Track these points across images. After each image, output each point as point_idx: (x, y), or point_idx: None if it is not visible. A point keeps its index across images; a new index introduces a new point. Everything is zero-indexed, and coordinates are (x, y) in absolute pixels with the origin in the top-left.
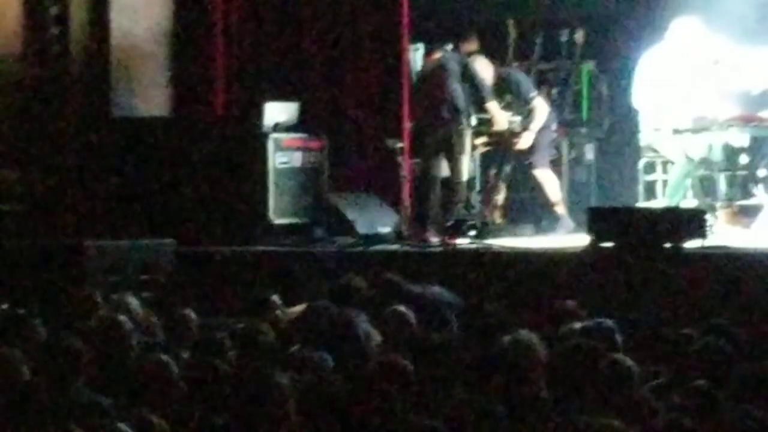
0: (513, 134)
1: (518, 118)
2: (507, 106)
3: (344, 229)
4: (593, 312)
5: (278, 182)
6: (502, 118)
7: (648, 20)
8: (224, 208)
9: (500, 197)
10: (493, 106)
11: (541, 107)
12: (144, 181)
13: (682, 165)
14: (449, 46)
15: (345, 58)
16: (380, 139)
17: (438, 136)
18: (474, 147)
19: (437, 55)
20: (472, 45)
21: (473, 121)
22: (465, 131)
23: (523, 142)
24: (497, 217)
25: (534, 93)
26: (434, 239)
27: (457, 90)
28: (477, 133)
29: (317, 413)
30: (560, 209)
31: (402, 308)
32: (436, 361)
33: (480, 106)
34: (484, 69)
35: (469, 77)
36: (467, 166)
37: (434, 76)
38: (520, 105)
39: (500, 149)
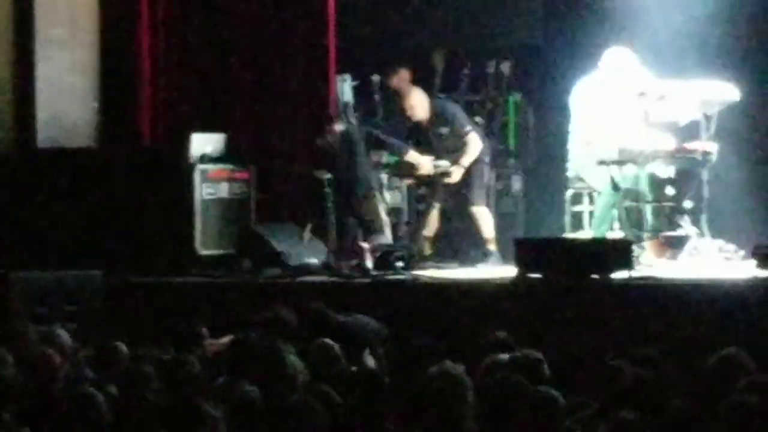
0: (442, 173)
1: (444, 162)
2: (441, 139)
3: (271, 260)
4: (521, 343)
5: (205, 213)
6: (425, 163)
7: (575, 51)
8: (151, 239)
9: (430, 229)
10: (412, 156)
11: (475, 142)
12: (70, 212)
13: (608, 196)
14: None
15: (272, 88)
16: (308, 170)
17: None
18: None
19: (339, 127)
20: (403, 77)
21: (384, 178)
22: (374, 199)
23: (454, 176)
24: (426, 249)
25: (468, 127)
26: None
27: (362, 164)
28: (404, 175)
29: None
30: (492, 246)
31: (328, 341)
32: (363, 394)
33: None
34: (420, 101)
35: (377, 144)
36: (385, 218)
37: (339, 150)
38: (454, 138)
39: (430, 185)
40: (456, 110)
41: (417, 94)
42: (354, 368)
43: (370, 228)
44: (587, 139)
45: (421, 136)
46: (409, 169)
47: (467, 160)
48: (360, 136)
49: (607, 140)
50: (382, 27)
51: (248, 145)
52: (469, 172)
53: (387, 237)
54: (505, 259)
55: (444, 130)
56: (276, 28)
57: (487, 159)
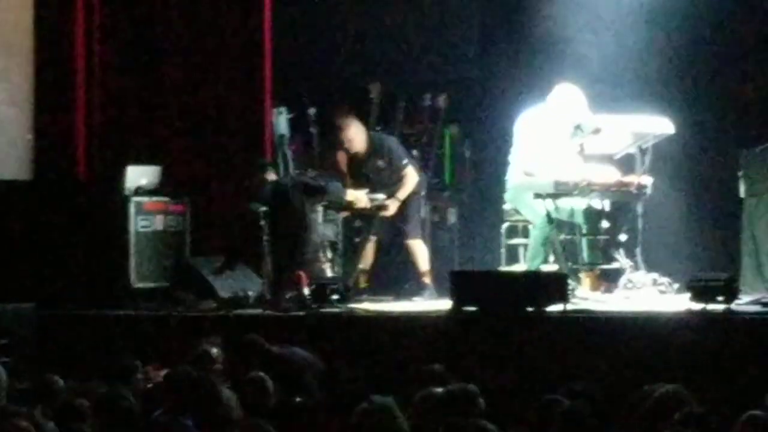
0: (379, 207)
1: (380, 195)
2: (378, 171)
3: (206, 293)
4: (456, 376)
5: (139, 246)
6: (361, 198)
7: (510, 84)
8: (86, 272)
9: (366, 262)
10: (348, 195)
11: (411, 175)
12: (3, 244)
13: (543, 229)
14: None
15: (208, 120)
16: (243, 203)
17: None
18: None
19: (271, 176)
20: (342, 113)
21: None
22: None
23: (390, 209)
24: (362, 282)
25: (405, 161)
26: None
27: (298, 210)
28: (340, 209)
29: None
30: (427, 279)
31: (261, 374)
32: (297, 426)
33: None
34: (357, 134)
35: (309, 189)
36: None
37: (272, 201)
38: (391, 171)
39: (366, 217)
40: (393, 143)
41: (355, 127)
42: (288, 400)
43: (307, 260)
44: (525, 171)
45: (358, 169)
46: (345, 204)
47: (404, 193)
48: (293, 184)
49: (544, 173)
50: (318, 60)
51: (184, 177)
52: (405, 205)
53: (323, 270)
54: (440, 292)
55: (381, 163)
56: (212, 61)
57: (423, 192)
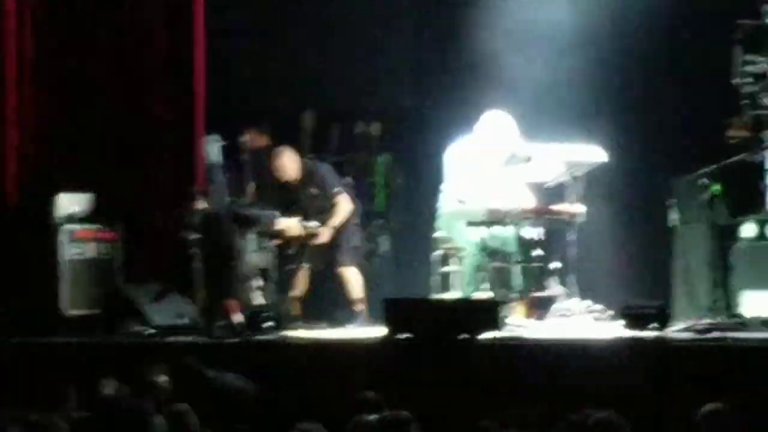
0: (312, 234)
1: (313, 223)
2: (311, 199)
3: (139, 320)
4: (390, 403)
5: (71, 274)
6: (294, 226)
7: (444, 112)
8: (17, 300)
9: (299, 290)
10: (280, 224)
11: (344, 204)
12: None
13: (476, 257)
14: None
15: (140, 148)
16: (175, 231)
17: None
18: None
19: (203, 204)
20: (255, 136)
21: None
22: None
23: (323, 237)
24: (294, 309)
25: (338, 189)
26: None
27: (231, 239)
28: (272, 236)
29: None
30: (360, 306)
31: (185, 406)
32: None
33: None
34: (290, 161)
35: (242, 222)
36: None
37: (205, 226)
38: (324, 199)
39: (299, 245)
40: (326, 171)
41: (287, 155)
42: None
43: (237, 288)
44: (458, 199)
45: (291, 196)
46: (278, 232)
47: (336, 221)
48: (224, 213)
49: (477, 201)
50: (251, 87)
51: (115, 205)
52: (338, 233)
53: (255, 297)
54: (373, 319)
55: (314, 190)
56: (144, 88)
57: (356, 220)
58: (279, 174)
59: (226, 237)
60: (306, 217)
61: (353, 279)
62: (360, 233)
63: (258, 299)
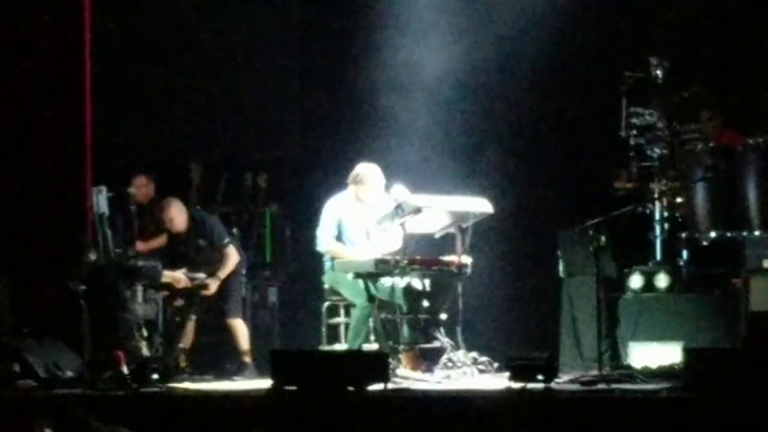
0: (199, 285)
1: (200, 275)
2: (199, 251)
3: (25, 372)
4: None
5: None
6: (181, 278)
7: (331, 165)
8: None
9: (186, 341)
10: (167, 276)
11: (232, 255)
12: None
13: (363, 308)
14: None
15: (28, 198)
16: (63, 282)
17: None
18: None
19: (91, 255)
20: (141, 183)
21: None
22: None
23: (211, 288)
24: (182, 361)
25: (226, 240)
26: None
27: (117, 290)
28: (160, 288)
29: None
30: (247, 358)
31: None
32: None
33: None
34: (179, 213)
35: (124, 270)
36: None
37: (92, 277)
38: (212, 250)
39: (187, 296)
40: (214, 223)
41: (176, 206)
42: None
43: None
44: (328, 252)
45: (179, 248)
46: (165, 284)
47: (224, 272)
48: (111, 265)
49: (363, 252)
50: (139, 138)
51: (2, 255)
52: (225, 285)
53: (139, 348)
54: (261, 371)
55: (202, 242)
56: (31, 138)
57: (243, 271)
58: (168, 225)
59: (113, 288)
60: (192, 268)
61: (240, 330)
62: (247, 285)
63: (144, 351)
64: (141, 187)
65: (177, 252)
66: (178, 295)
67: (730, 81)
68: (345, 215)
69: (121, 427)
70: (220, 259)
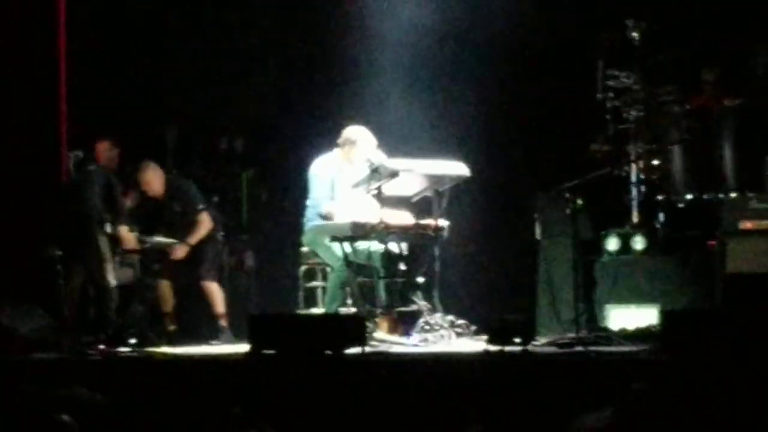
0: (164, 249)
1: (158, 239)
2: (175, 215)
3: (2, 337)
4: (257, 419)
5: None
6: (125, 237)
7: (309, 127)
8: None
9: (167, 305)
10: (122, 230)
11: (205, 222)
12: None
13: (341, 272)
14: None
15: (2, 165)
16: (38, 247)
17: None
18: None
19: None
20: (103, 148)
21: (108, 228)
22: (100, 240)
23: (178, 253)
24: (168, 325)
25: (201, 206)
26: (99, 346)
27: (96, 203)
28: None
29: None
30: (224, 322)
31: None
32: None
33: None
34: (155, 176)
35: (112, 195)
36: (112, 273)
37: (78, 186)
38: (186, 215)
39: (161, 261)
40: (189, 187)
41: (152, 170)
42: None
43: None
44: (320, 214)
45: (157, 212)
46: (115, 243)
47: (194, 238)
48: (102, 181)
49: (341, 216)
50: (115, 102)
51: None
52: (200, 248)
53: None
54: (239, 335)
55: (177, 207)
56: (5, 104)
57: (218, 235)
58: (145, 189)
59: (92, 246)
60: (169, 233)
61: (215, 294)
62: (224, 249)
63: (122, 315)
64: (103, 152)
65: (155, 216)
66: (152, 259)
67: (706, 43)
68: (336, 176)
69: (82, 388)
70: (192, 224)
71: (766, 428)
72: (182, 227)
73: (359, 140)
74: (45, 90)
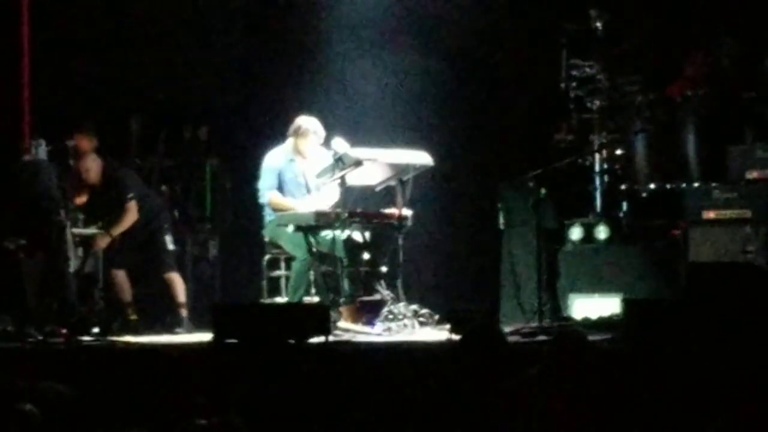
0: (88, 239)
1: (79, 230)
2: (108, 204)
3: None
4: (220, 408)
5: None
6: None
7: (273, 117)
8: None
9: (125, 295)
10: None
11: (129, 212)
12: None
13: (304, 261)
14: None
15: None
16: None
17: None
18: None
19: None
20: (85, 143)
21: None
22: (61, 226)
23: (100, 243)
24: (130, 314)
25: (130, 195)
26: (60, 335)
27: (51, 188)
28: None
29: None
30: (184, 311)
31: None
32: None
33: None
34: (93, 164)
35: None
36: (73, 259)
37: (31, 174)
38: (117, 205)
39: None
40: (123, 176)
41: (91, 158)
42: None
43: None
44: (269, 204)
45: (94, 200)
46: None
47: (117, 229)
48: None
49: (303, 205)
50: (78, 90)
51: None
52: (151, 240)
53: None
54: (202, 324)
55: (113, 193)
56: None
57: (166, 225)
58: (84, 177)
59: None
60: (110, 222)
61: (176, 283)
62: (171, 237)
63: (85, 304)
64: (88, 144)
65: (94, 205)
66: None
67: (669, 33)
68: (284, 167)
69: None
70: (119, 214)
71: (728, 414)
72: (112, 216)
73: (309, 131)
74: (8, 78)
